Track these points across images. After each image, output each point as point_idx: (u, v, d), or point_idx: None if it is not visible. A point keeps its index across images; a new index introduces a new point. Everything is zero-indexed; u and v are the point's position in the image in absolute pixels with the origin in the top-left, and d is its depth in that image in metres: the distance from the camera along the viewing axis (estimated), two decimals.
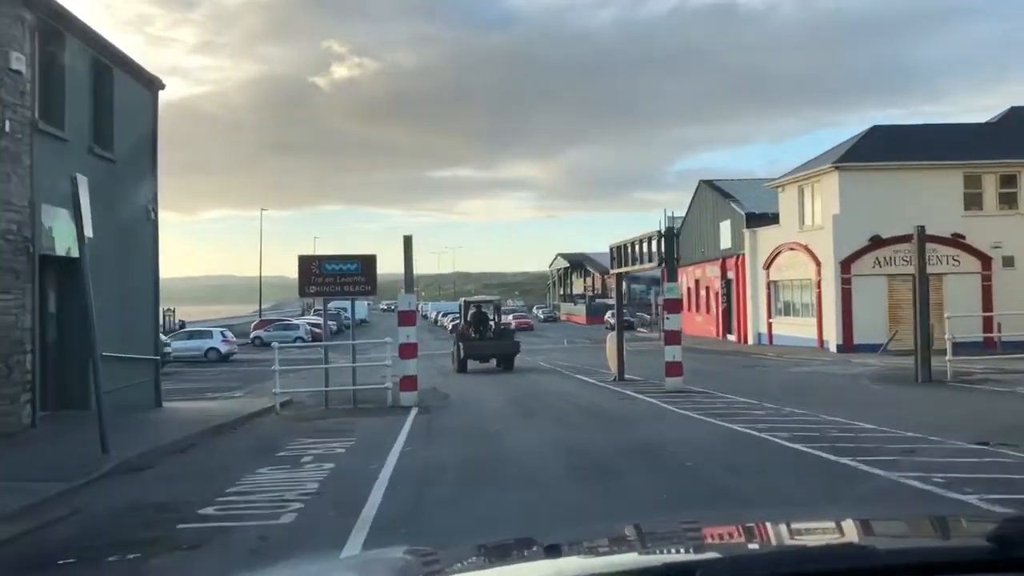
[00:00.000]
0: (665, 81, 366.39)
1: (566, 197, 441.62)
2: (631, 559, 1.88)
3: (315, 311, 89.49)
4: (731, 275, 49.06)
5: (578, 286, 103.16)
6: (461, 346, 29.22)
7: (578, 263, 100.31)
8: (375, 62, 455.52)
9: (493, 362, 30.51)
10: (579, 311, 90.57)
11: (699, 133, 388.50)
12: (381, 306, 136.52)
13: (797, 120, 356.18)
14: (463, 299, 36.74)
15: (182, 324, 60.74)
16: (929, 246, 36.70)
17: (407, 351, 19.15)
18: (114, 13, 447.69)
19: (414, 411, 18.30)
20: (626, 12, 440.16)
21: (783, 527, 2.12)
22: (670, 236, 20.31)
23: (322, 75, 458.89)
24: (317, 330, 63.88)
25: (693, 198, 58.44)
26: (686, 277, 61.39)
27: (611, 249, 26.05)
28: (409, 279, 19.40)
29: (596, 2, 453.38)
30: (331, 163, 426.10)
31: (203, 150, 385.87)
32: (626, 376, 24.95)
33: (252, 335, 60.20)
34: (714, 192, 53.06)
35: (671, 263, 20.30)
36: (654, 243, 20.85)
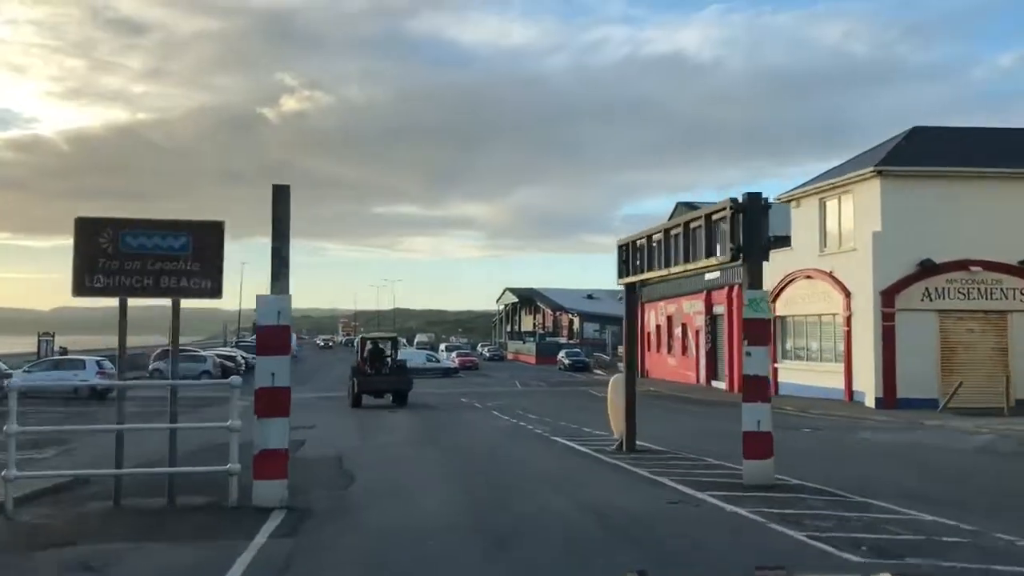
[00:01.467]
0: (615, 127, 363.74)
1: (513, 237, 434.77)
2: None
3: (233, 342, 79.04)
4: (719, 309, 40.59)
5: (527, 323, 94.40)
6: (355, 381, 28.25)
7: (528, 299, 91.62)
8: (326, 96, 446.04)
9: (388, 397, 29.59)
10: (528, 350, 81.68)
11: (646, 179, 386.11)
12: (318, 341, 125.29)
13: (741, 171, 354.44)
14: (360, 335, 35.34)
15: (63, 351, 50.20)
16: (991, 275, 29.06)
17: (271, 403, 9.93)
18: (61, 36, 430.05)
19: (273, 522, 9.10)
20: (579, 58, 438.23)
21: None
22: (757, 210, 11.23)
23: (271, 107, 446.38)
24: (229, 363, 54.22)
25: (668, 230, 50.10)
26: (655, 313, 53.01)
27: (621, 248, 17.12)
28: (281, 266, 10.13)
29: (550, 47, 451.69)
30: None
31: (144, 177, 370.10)
32: (638, 443, 15.93)
33: (151, 367, 50.09)
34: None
35: (756, 255, 11.22)
36: (723, 224, 11.86)
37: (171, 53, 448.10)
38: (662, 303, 50.86)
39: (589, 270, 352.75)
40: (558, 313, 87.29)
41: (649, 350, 52.93)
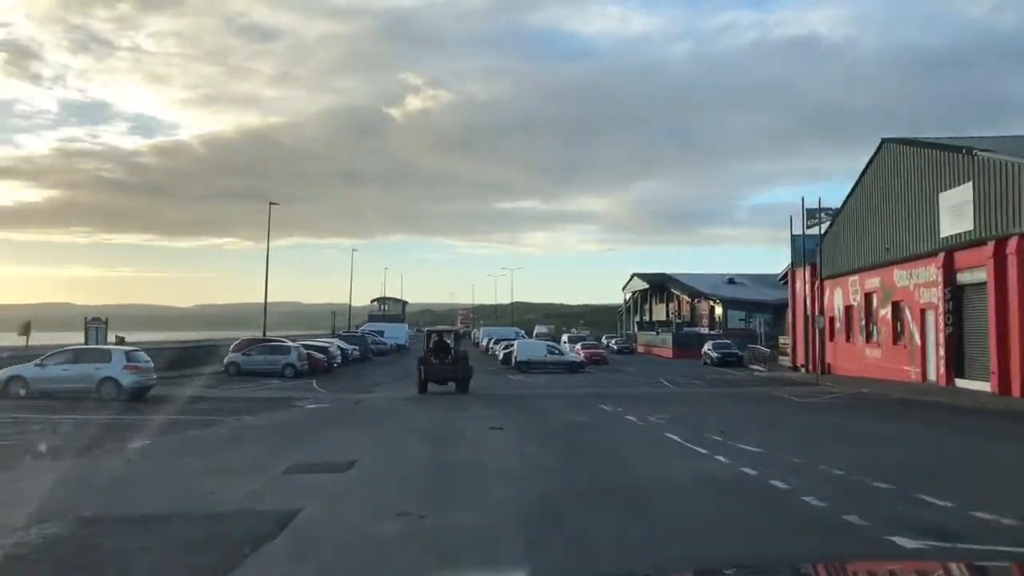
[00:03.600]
0: (740, 115, 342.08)
1: (631, 231, 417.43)
2: None
3: (343, 332, 69.79)
4: (970, 277, 27.89)
5: (658, 312, 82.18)
6: (422, 370, 29.36)
7: (660, 285, 79.37)
8: (449, 93, 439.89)
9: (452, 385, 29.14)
10: (662, 341, 69.62)
11: (772, 168, 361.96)
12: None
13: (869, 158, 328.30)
14: (427, 328, 37.50)
15: (120, 340, 41.63)
16: None
17: None
18: (198, 45, 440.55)
19: None
20: (703, 45, 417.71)
21: None
22: None
23: (397, 106, 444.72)
24: (320, 355, 44.62)
25: (864, 175, 37.37)
26: (842, 291, 40.40)
27: None
28: None
29: (673, 35, 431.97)
30: (399, 193, 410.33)
31: (274, 179, 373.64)
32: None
33: (227, 359, 41.14)
34: (920, 150, 32.00)
35: None
36: None
37: (299, 57, 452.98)
38: (854, 277, 38.22)
39: (713, 264, 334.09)
40: (696, 300, 74.73)
41: (832, 339, 40.37)
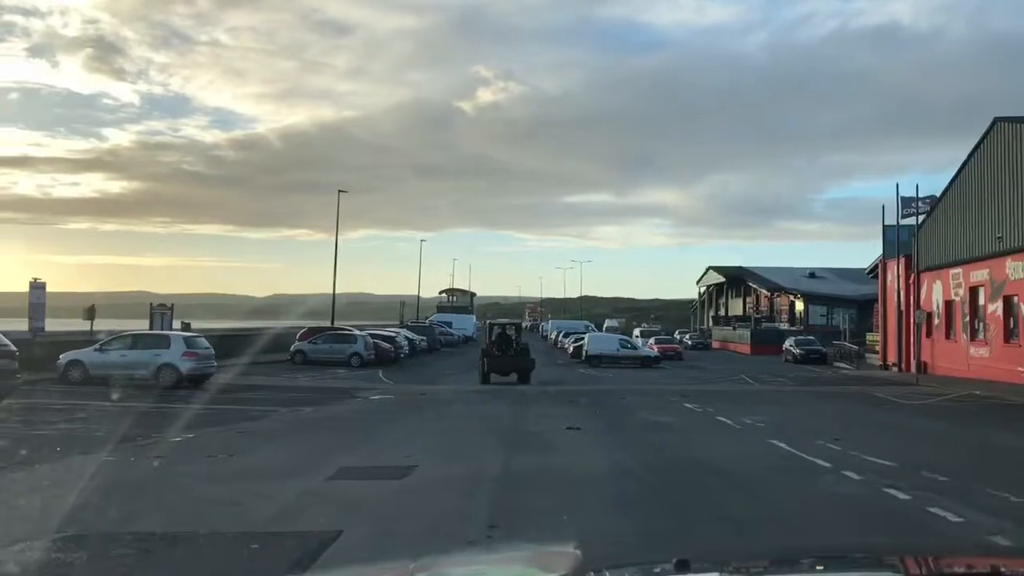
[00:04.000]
0: (818, 106, 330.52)
1: (703, 224, 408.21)
2: None
3: (411, 323, 68.14)
4: None
5: (734, 307, 79.06)
6: (485, 361, 30.08)
7: (736, 278, 76.25)
8: (520, 86, 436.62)
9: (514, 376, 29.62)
10: (740, 337, 66.68)
11: (853, 160, 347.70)
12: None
13: (961, 148, 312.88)
14: (488, 321, 38.72)
15: (186, 326, 40.80)
16: None
17: None
18: (274, 40, 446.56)
19: None
20: (781, 35, 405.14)
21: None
22: None
23: (467, 99, 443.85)
24: (387, 344, 43.23)
25: (970, 158, 34.21)
26: (941, 284, 37.28)
27: None
28: None
29: (749, 25, 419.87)
30: (469, 186, 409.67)
31: (348, 172, 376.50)
32: None
33: (294, 347, 40.12)
34: None
35: None
36: None
37: (372, 52, 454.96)
38: (957, 269, 35.12)
39: (788, 259, 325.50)
40: (775, 295, 71.40)
41: (929, 336, 37.25)
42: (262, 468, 10.65)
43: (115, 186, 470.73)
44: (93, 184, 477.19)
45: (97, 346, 25.89)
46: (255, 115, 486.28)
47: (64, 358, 25.04)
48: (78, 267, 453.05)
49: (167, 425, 14.87)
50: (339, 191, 56.31)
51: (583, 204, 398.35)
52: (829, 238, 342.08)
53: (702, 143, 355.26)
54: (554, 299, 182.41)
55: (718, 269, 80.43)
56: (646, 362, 45.83)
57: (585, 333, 61.99)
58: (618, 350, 46.30)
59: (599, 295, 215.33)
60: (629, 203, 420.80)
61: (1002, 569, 2.28)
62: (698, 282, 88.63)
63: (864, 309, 58.68)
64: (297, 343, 40.09)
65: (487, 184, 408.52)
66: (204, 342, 27.46)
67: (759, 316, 69.73)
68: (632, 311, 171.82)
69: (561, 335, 66.19)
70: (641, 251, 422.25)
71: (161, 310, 39.29)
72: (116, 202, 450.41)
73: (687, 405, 20.70)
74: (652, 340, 56.50)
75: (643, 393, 25.13)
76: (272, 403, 20.15)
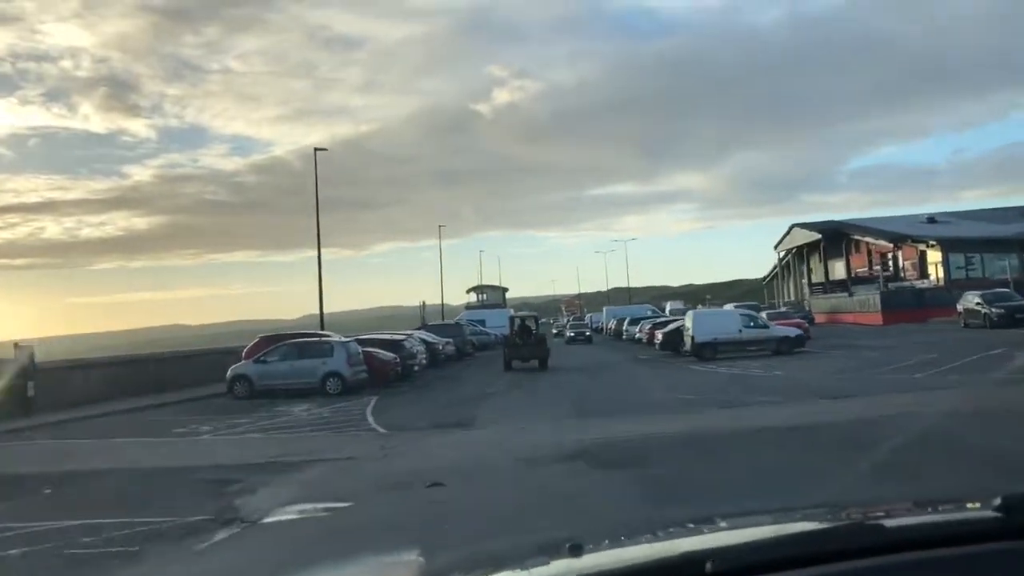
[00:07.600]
0: (836, 75, 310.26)
1: (729, 206, 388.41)
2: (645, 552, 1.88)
3: (430, 324, 51.00)
4: None
5: (835, 271, 62.42)
6: (507, 350, 31.85)
7: (836, 233, 59.63)
8: (536, 83, 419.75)
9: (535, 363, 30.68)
10: (860, 305, 50.38)
11: (874, 126, 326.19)
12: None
13: (984, 106, 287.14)
14: (510, 313, 42.20)
15: None
16: None
17: None
18: (284, 61, 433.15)
19: None
20: (795, 6, 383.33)
21: (795, 514, 2.22)
22: None
23: (483, 101, 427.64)
24: (388, 355, 27.32)
25: None
26: None
27: None
28: None
29: (763, 0, 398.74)
30: (493, 189, 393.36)
31: (369, 186, 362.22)
32: None
33: (231, 373, 24.78)
34: None
35: None
36: None
37: (383, 63, 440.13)
38: None
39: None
40: (896, 247, 54.71)
41: None
42: None
43: (141, 222, 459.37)
44: (119, 222, 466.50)
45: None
46: (272, 138, 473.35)
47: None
48: (109, 306, 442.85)
49: None
50: (315, 187, 39.85)
51: (607, 196, 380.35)
52: (857, 208, 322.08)
53: (722, 122, 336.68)
54: (584, 294, 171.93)
55: (807, 226, 63.87)
56: (782, 344, 30.00)
57: (654, 318, 47.04)
58: (740, 331, 30.31)
59: (633, 285, 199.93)
60: (653, 190, 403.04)
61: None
62: (776, 247, 72.15)
63: None
64: (239, 364, 24.38)
65: (508, 184, 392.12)
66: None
67: (887, 276, 53.08)
68: (667, 298, 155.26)
69: (627, 322, 50.65)
70: (668, 238, 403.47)
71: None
72: (143, 238, 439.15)
73: None
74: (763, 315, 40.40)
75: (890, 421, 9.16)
76: None
